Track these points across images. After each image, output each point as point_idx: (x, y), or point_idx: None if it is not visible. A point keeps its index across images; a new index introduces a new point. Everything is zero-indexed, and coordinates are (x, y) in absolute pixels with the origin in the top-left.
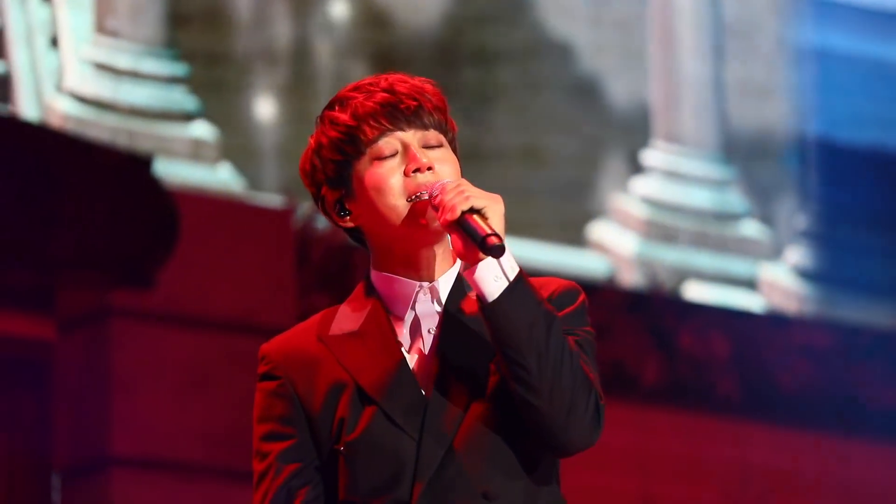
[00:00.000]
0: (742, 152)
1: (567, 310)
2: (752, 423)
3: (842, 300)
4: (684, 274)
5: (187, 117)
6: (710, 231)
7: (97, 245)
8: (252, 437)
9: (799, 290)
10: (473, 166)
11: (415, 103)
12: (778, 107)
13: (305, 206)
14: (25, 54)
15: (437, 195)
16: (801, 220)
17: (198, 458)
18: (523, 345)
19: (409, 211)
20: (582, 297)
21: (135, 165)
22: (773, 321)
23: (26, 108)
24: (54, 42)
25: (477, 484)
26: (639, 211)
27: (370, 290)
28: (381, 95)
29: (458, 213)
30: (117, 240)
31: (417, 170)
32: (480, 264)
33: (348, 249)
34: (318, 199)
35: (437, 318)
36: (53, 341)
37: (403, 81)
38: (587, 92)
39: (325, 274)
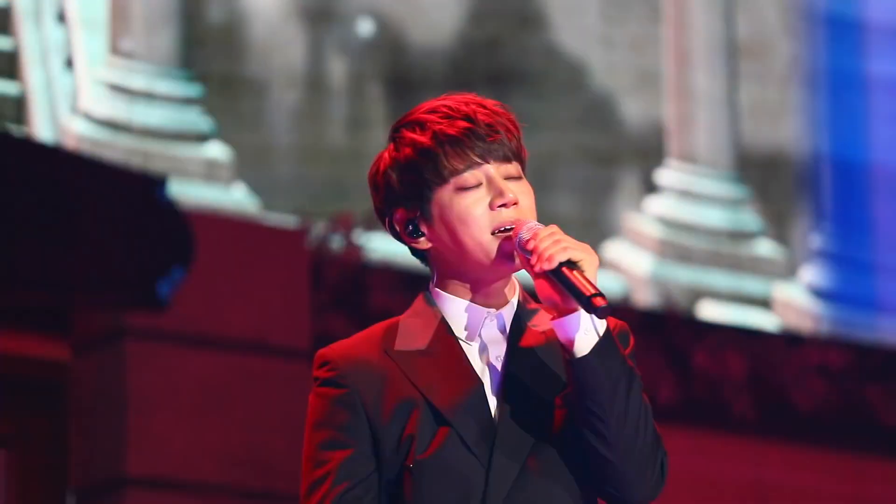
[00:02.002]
0: (756, 171)
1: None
2: (767, 443)
3: (857, 319)
4: (699, 293)
5: (201, 138)
6: (724, 250)
7: (112, 266)
8: (305, 442)
9: (814, 309)
10: None
11: (497, 135)
12: (792, 126)
13: (320, 227)
14: (40, 76)
15: (527, 238)
16: (816, 240)
17: (213, 478)
18: (606, 401)
19: (491, 244)
20: (633, 339)
21: (149, 186)
22: (788, 340)
23: (41, 129)
24: (69, 63)
25: None
26: (653, 230)
27: (433, 309)
28: (462, 124)
29: (556, 264)
30: (132, 260)
31: (503, 205)
32: (572, 316)
33: (363, 270)
34: (385, 213)
35: (502, 347)
36: (68, 362)
37: (482, 107)
38: (601, 111)
39: (340, 294)
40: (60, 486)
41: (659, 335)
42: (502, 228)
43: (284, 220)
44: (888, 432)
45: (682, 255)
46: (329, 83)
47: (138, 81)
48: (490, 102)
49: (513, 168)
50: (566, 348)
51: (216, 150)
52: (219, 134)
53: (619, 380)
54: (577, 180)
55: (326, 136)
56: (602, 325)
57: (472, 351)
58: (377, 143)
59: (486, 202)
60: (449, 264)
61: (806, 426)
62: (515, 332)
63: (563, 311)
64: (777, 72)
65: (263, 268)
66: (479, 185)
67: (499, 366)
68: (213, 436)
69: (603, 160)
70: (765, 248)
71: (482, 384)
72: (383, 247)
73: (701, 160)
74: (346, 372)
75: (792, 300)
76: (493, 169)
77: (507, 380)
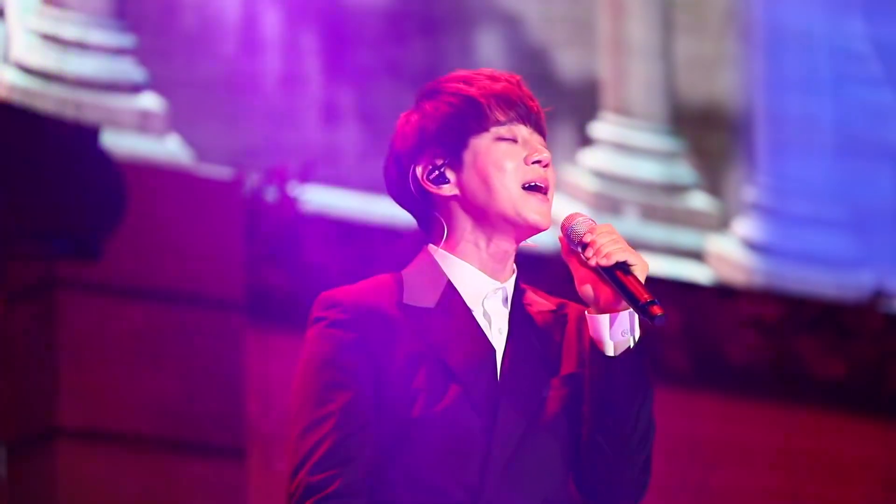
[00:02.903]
0: (691, 125)
1: None
2: (700, 395)
3: (789, 272)
4: (633, 246)
5: (135, 88)
6: (658, 203)
7: (44, 216)
8: (303, 378)
9: (747, 262)
10: None
11: (536, 104)
12: (726, 79)
13: (254, 179)
14: None
15: (583, 231)
16: (749, 192)
17: (146, 430)
18: (623, 404)
19: (521, 197)
20: None
21: (82, 136)
22: (721, 293)
23: None
24: (0, 13)
25: (538, 491)
26: (587, 183)
27: (437, 270)
28: (508, 86)
29: (613, 262)
30: (64, 211)
31: (537, 162)
32: (618, 315)
33: (297, 222)
34: (408, 161)
35: (505, 320)
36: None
37: (522, 83)
38: (536, 63)
39: (274, 246)
40: None
41: None
42: (533, 184)
43: (218, 171)
44: (819, 385)
45: (616, 208)
46: (264, 35)
47: (71, 31)
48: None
49: (542, 142)
50: (597, 344)
51: (150, 101)
52: (153, 85)
53: (640, 387)
54: None
55: (261, 86)
56: (637, 332)
57: (477, 319)
58: (312, 95)
59: (522, 157)
60: (469, 216)
61: (738, 378)
62: (516, 309)
63: (603, 309)
64: (713, 24)
65: (197, 219)
66: (516, 140)
67: (502, 338)
68: (146, 387)
69: None
70: (698, 201)
71: (495, 352)
72: (318, 199)
73: (636, 113)
74: (357, 317)
75: (725, 253)
76: (527, 132)
77: (510, 353)
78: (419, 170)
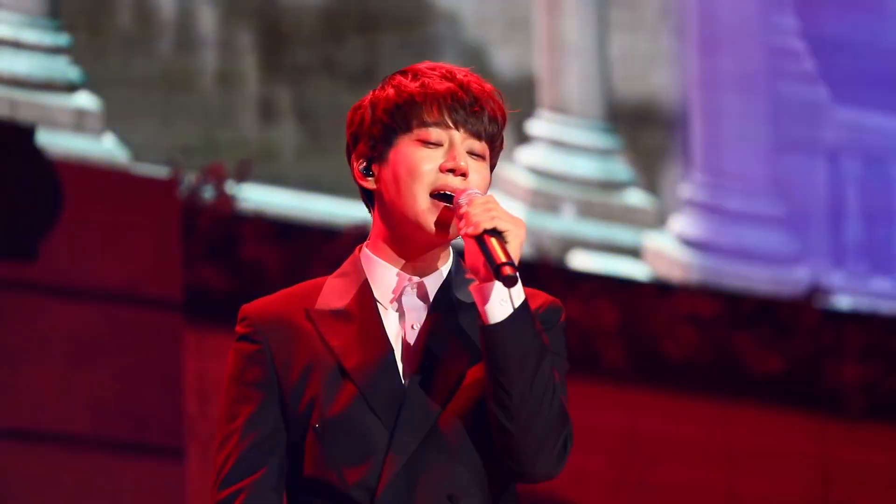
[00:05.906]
0: (627, 121)
1: (548, 329)
2: (638, 391)
3: (725, 268)
4: (570, 243)
5: (70, 88)
6: (595, 200)
7: None
8: (223, 395)
9: (684, 259)
10: None
11: (479, 110)
12: (662, 76)
13: (191, 177)
14: None
15: (463, 203)
16: (686, 189)
17: (83, 430)
18: (513, 373)
19: (428, 205)
20: (563, 316)
21: (17, 136)
22: (659, 289)
23: None
24: None
25: (443, 485)
26: (525, 181)
27: (359, 269)
28: (453, 86)
29: (480, 230)
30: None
31: (452, 170)
32: (490, 284)
33: (234, 220)
34: (351, 148)
35: (421, 315)
36: None
37: (478, 83)
38: (472, 61)
39: (212, 244)
40: None
41: (531, 285)
42: (441, 192)
43: (155, 170)
44: (756, 380)
45: (553, 206)
46: (199, 33)
47: (4, 30)
48: (490, 87)
49: (479, 146)
50: (481, 316)
51: (85, 100)
52: (88, 84)
53: (527, 354)
54: None
55: (196, 84)
56: (519, 297)
57: (389, 316)
58: (247, 93)
59: (439, 163)
60: (385, 214)
61: (676, 374)
62: (439, 302)
63: (483, 279)
64: (648, 21)
65: (134, 218)
66: (439, 144)
67: (414, 334)
68: (83, 387)
69: None
70: (635, 197)
71: (392, 350)
72: (255, 197)
73: (572, 110)
74: (260, 328)
75: (662, 249)
76: (459, 137)
77: (421, 348)
78: (354, 160)
